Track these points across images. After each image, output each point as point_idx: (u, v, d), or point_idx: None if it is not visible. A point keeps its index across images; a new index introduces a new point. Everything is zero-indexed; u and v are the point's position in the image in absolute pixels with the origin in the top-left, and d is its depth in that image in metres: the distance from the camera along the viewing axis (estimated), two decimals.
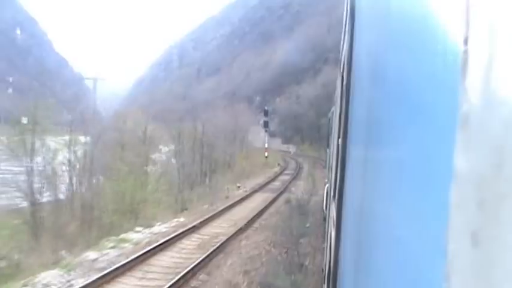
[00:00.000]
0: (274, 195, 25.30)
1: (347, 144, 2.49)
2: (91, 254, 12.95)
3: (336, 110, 6.33)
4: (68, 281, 10.82)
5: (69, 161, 28.11)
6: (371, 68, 1.53)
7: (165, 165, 41.53)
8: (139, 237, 15.29)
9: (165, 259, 12.57)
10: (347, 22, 2.87)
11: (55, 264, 12.65)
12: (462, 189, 0.44)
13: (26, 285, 10.72)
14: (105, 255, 12.86)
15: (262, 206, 20.96)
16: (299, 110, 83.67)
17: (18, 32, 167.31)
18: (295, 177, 37.16)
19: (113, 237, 15.76)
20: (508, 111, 0.39)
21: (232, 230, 15.73)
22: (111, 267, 11.22)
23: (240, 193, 26.92)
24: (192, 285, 10.85)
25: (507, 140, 0.40)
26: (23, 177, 24.72)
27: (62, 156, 30.48)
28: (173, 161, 40.15)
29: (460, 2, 0.48)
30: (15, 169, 26.52)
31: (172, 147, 42.35)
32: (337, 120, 4.32)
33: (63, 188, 25.89)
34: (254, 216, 18.37)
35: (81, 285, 9.93)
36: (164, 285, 10.00)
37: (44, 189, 23.84)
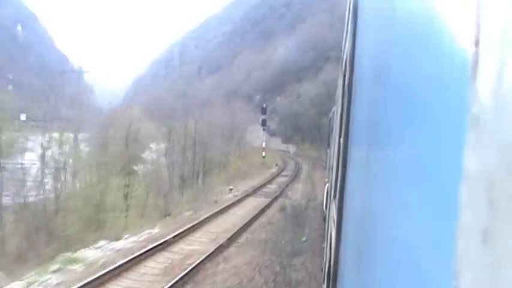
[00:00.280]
0: (268, 200, 22.33)
1: (348, 144, 2.49)
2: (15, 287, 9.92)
3: (337, 109, 6.23)
4: None
5: (44, 160, 25.13)
6: (374, 68, 1.53)
7: (155, 165, 38.64)
8: (97, 255, 12.33)
9: None
10: (349, 21, 2.89)
11: None
12: (472, 189, 0.43)
13: None
14: (40, 284, 9.88)
15: (253, 214, 17.98)
16: (299, 109, 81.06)
17: (19, 28, 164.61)
18: (293, 179, 34.16)
19: (68, 254, 12.84)
20: None
21: (212, 247, 12.77)
22: None
23: (231, 197, 23.96)
24: None
25: None
26: None
27: (37, 155, 27.92)
28: (163, 160, 37.18)
29: (470, 3, 0.47)
30: None
31: (163, 145, 39.40)
32: (339, 120, 4.27)
33: (32, 190, 22.93)
34: (241, 228, 15.39)
35: None
36: None
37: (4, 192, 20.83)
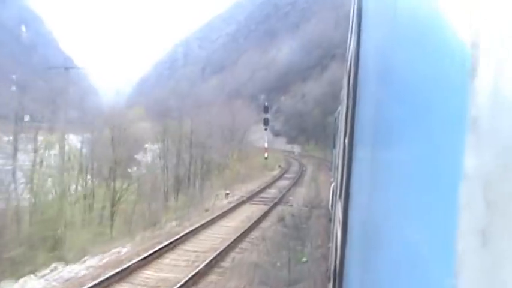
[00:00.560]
0: (266, 208, 19.50)
1: (353, 144, 2.50)
2: None
3: (342, 109, 6.04)
4: None
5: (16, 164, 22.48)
6: (378, 69, 1.54)
7: (149, 168, 35.91)
8: (37, 287, 9.55)
9: None
10: (354, 21, 2.91)
11: None
12: (471, 190, 0.43)
13: None
14: None
15: (246, 227, 15.16)
16: (304, 109, 78.35)
17: (23, 29, 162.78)
18: (296, 181, 31.25)
19: (8, 283, 10.09)
20: None
21: (186, 275, 9.95)
22: None
23: (225, 204, 21.17)
24: None
25: None
26: None
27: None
28: (158, 162, 34.38)
29: (469, 5, 0.48)
30: None
31: (159, 146, 36.59)
32: (344, 120, 4.19)
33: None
34: (228, 246, 12.57)
35: None
36: None
37: None
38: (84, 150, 36.75)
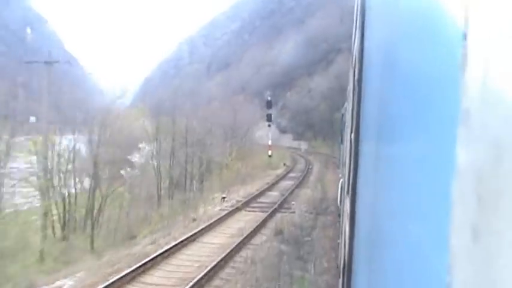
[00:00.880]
0: (264, 215, 16.43)
1: (359, 139, 2.51)
2: None
3: (348, 105, 6.33)
4: None
5: None
6: (381, 64, 1.55)
7: (142, 169, 32.95)
8: None
9: None
10: (358, 17, 2.93)
11: None
12: (463, 184, 0.43)
13: None
14: None
15: (234, 244, 12.10)
16: (311, 104, 75.26)
17: (28, 31, 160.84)
18: (300, 182, 28.06)
19: None
20: (506, 106, 0.39)
21: None
22: None
23: (217, 212, 18.13)
24: None
25: (505, 136, 0.39)
26: None
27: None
28: (153, 163, 31.31)
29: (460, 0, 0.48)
30: None
31: (154, 146, 33.50)
32: (350, 116, 4.33)
33: None
34: (205, 276, 9.50)
35: None
36: None
37: None
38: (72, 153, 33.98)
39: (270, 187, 25.33)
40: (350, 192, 2.91)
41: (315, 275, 10.26)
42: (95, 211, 23.51)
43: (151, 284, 9.30)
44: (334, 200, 19.11)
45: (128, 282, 9.24)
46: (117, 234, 17.43)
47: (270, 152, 40.82)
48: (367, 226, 1.71)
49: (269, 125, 41.08)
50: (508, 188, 0.39)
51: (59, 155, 29.21)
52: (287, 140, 79.04)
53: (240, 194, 23.62)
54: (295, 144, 74.90)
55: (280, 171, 36.48)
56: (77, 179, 28.56)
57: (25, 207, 22.74)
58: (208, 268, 9.88)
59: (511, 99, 0.39)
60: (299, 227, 14.95)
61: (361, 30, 2.54)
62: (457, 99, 0.44)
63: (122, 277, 9.21)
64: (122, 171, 33.92)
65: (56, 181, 25.06)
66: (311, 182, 28.45)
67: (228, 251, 11.47)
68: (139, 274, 9.70)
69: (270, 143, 40.88)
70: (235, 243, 12.14)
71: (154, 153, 30.58)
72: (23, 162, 30.30)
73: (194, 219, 16.85)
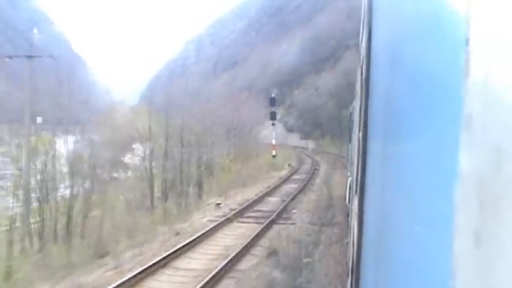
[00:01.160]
0: (258, 228, 13.87)
1: (367, 138, 2.48)
2: None
3: (356, 103, 6.15)
4: None
5: None
6: (387, 63, 1.55)
7: (136, 171, 30.47)
8: None
9: None
10: (365, 16, 2.90)
11: None
12: (465, 190, 0.43)
13: None
14: None
15: (216, 270, 9.52)
16: (318, 102, 72.73)
17: (35, 32, 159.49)
18: (305, 185, 25.42)
19: None
20: (506, 112, 0.39)
21: None
22: None
23: (207, 222, 15.58)
24: None
25: (505, 141, 0.39)
26: None
27: None
28: (148, 165, 28.72)
29: (461, 3, 0.48)
30: None
31: (145, 147, 30.92)
32: (358, 114, 4.24)
33: None
34: None
35: None
36: None
37: None
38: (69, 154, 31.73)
39: (271, 191, 22.71)
40: (358, 191, 2.87)
41: None
42: (79, 218, 21.09)
43: None
44: (342, 208, 16.52)
45: None
46: (91, 249, 14.93)
47: (274, 152, 38.17)
48: (375, 226, 1.71)
49: (273, 124, 38.38)
50: (508, 192, 0.38)
51: (45, 158, 27.01)
52: (294, 139, 76.69)
53: (237, 199, 21.05)
54: (302, 143, 72.57)
55: (284, 172, 33.84)
56: (66, 183, 26.26)
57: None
58: None
59: (511, 105, 0.39)
60: (298, 244, 12.34)
61: (368, 29, 2.48)
62: (460, 104, 0.44)
63: None
64: (115, 174, 31.50)
65: (37, 185, 22.73)
66: (317, 184, 25.77)
67: (207, 279, 8.90)
68: None
69: (274, 142, 38.19)
70: (216, 270, 9.54)
71: (147, 154, 27.96)
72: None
73: (177, 233, 14.31)
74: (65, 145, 31.26)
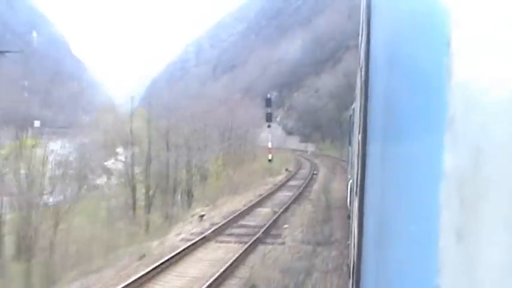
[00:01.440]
0: (240, 250, 11.27)
1: (367, 140, 2.45)
2: None
3: (356, 106, 6.20)
4: None
5: None
6: (385, 65, 1.55)
7: (120, 178, 27.88)
8: None
9: None
10: (364, 17, 2.89)
11: None
12: (448, 189, 0.44)
13: None
14: None
15: None
16: (318, 104, 70.41)
17: (34, 34, 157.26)
18: (301, 192, 22.80)
19: None
20: (484, 113, 0.39)
21: None
22: None
23: (180, 241, 13.01)
24: None
25: (483, 142, 0.39)
26: None
27: None
28: (126, 170, 26.06)
29: (445, 6, 0.48)
30: None
31: (130, 152, 28.23)
32: (358, 116, 4.15)
33: None
34: None
35: None
36: None
37: None
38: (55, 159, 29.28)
39: (262, 201, 20.08)
40: (359, 193, 2.79)
41: None
42: (45, 232, 18.49)
43: None
44: (341, 220, 14.10)
45: None
46: (39, 277, 12.33)
47: (270, 156, 35.54)
48: (374, 227, 1.70)
49: (269, 126, 35.81)
50: (486, 191, 0.39)
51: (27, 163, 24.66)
52: (294, 142, 74.25)
53: (223, 210, 18.47)
54: (302, 146, 70.00)
55: (280, 178, 31.21)
56: (45, 190, 23.74)
57: None
58: None
59: (488, 107, 0.39)
60: (287, 273, 9.76)
61: (367, 32, 2.41)
62: (446, 105, 0.45)
63: None
64: (98, 181, 28.93)
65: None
66: (314, 192, 23.12)
67: None
68: None
69: (270, 145, 35.60)
70: None
71: (128, 158, 25.33)
72: None
73: (142, 256, 11.73)
74: (44, 149, 28.79)
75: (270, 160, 35.49)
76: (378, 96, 1.78)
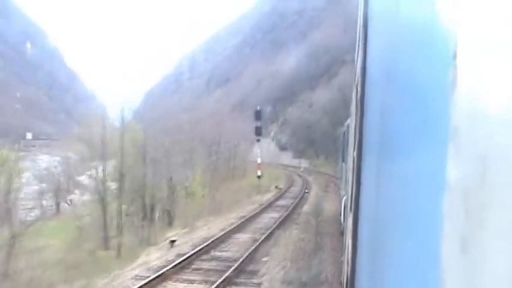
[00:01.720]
0: None
1: (362, 157, 2.40)
2: None
3: (351, 122, 6.10)
4: None
5: None
6: (382, 81, 1.52)
7: (95, 195, 25.38)
8: None
9: None
10: (360, 34, 2.86)
11: None
12: (452, 199, 0.44)
13: None
14: None
15: None
16: (312, 118, 68.21)
17: (28, 45, 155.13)
18: (289, 214, 20.43)
19: None
20: (490, 124, 0.40)
21: None
22: None
23: (135, 279, 10.59)
24: None
25: (490, 153, 0.40)
26: None
27: None
28: (98, 187, 23.58)
29: (450, 18, 0.49)
30: None
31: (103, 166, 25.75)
32: (353, 133, 4.14)
33: None
34: None
35: None
36: None
37: None
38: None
39: (243, 224, 17.65)
40: (353, 208, 2.78)
41: None
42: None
43: None
44: (333, 252, 11.88)
45: None
46: None
47: (259, 172, 33.08)
48: (368, 242, 1.68)
49: (258, 140, 33.48)
50: (492, 201, 0.39)
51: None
52: (287, 158, 72.04)
53: (197, 235, 16.08)
54: (295, 162, 67.73)
55: (268, 196, 28.83)
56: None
57: None
58: None
59: (494, 117, 0.39)
60: None
61: (364, 48, 2.41)
62: (448, 117, 0.44)
63: None
64: (70, 197, 26.45)
65: None
66: (304, 214, 20.69)
67: None
68: None
69: (259, 161, 33.17)
70: None
71: (99, 173, 22.89)
72: None
73: None
74: (18, 163, 26.36)
75: (259, 177, 33.04)
76: (374, 112, 1.76)
